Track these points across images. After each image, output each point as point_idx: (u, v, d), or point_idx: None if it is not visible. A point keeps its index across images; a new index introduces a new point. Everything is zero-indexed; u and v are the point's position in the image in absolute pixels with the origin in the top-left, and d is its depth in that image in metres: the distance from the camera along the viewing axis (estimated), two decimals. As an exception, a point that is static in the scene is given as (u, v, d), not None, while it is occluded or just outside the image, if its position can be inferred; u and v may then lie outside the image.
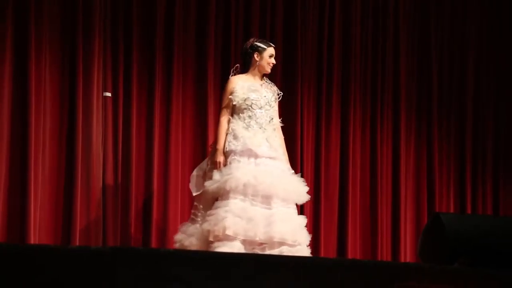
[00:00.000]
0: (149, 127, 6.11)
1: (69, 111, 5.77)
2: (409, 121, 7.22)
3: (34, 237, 5.49)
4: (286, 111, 6.13)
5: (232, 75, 5.52)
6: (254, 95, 5.38)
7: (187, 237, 5.27)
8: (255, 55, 5.48)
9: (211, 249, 5.07)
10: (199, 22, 6.40)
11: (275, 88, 5.57)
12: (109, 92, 5.96)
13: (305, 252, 5.26)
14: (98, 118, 5.85)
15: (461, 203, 7.37)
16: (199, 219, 5.31)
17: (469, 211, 7.27)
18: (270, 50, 5.51)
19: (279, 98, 5.55)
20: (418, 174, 7.23)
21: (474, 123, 7.47)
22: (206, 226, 5.16)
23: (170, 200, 6.12)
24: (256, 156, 5.29)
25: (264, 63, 5.48)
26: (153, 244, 5.98)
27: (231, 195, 5.16)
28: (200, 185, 5.35)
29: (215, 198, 5.27)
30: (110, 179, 5.91)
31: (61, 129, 5.75)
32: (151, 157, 6.07)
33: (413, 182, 7.20)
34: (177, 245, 5.31)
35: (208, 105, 6.35)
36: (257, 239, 5.11)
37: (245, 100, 5.37)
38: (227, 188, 5.16)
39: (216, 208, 5.19)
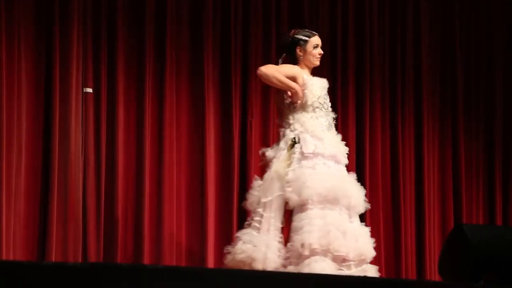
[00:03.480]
0: (139, 126, 6.16)
1: (44, 109, 5.83)
2: (432, 121, 7.31)
3: (7, 251, 5.59)
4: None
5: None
6: (324, 94, 5.48)
7: (255, 248, 5.20)
8: (298, 50, 5.50)
9: (302, 265, 5.07)
10: (194, 5, 6.47)
11: None
12: (90, 87, 6.03)
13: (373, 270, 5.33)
14: (77, 117, 5.90)
15: (490, 210, 7.45)
16: (267, 227, 5.26)
17: (499, 219, 7.37)
18: (314, 40, 5.52)
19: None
20: (443, 179, 7.30)
21: (505, 123, 7.55)
22: (305, 238, 5.11)
23: (164, 208, 6.18)
24: (339, 162, 5.37)
25: (309, 56, 5.50)
26: (146, 260, 6.05)
27: (324, 205, 5.20)
28: (273, 189, 5.32)
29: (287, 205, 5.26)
30: (91, 186, 5.97)
31: (36, 129, 5.81)
32: (141, 160, 6.13)
33: (438, 188, 7.28)
34: (242, 256, 5.23)
35: (206, 99, 6.39)
36: (350, 256, 5.15)
37: (318, 98, 5.44)
38: (317, 197, 5.18)
39: (311, 218, 5.16)
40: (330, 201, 5.20)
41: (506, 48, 7.65)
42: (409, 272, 6.99)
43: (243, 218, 6.45)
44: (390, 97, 7.17)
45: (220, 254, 6.34)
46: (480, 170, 7.45)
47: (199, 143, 6.39)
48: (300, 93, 5.38)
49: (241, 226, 6.43)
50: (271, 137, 6.60)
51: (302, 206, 5.21)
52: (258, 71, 5.42)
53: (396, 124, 7.15)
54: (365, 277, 3.46)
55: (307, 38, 5.52)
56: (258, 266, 5.15)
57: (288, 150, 5.36)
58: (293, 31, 5.61)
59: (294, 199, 5.22)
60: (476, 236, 3.77)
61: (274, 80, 5.38)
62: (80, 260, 5.79)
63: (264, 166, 5.51)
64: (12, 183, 5.65)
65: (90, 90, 6.02)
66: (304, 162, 5.29)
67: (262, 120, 6.65)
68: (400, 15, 7.27)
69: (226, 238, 6.37)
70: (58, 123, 5.83)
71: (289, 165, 5.32)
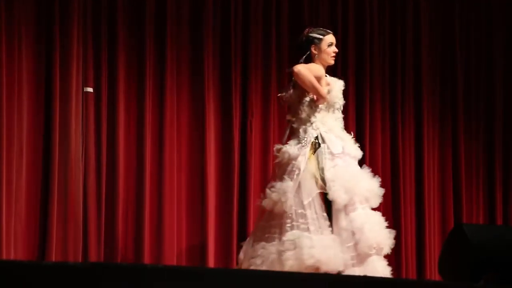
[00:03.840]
0: (140, 126, 6.17)
1: (44, 108, 5.83)
2: (432, 121, 7.31)
3: (7, 251, 5.60)
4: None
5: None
6: (340, 95, 5.54)
7: (323, 251, 5.14)
8: (313, 49, 5.50)
9: (366, 264, 5.17)
10: (194, 5, 6.47)
11: None
12: (90, 87, 6.06)
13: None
14: (78, 117, 5.91)
15: (490, 210, 7.46)
16: (317, 228, 5.23)
17: (499, 219, 7.38)
18: (328, 39, 5.52)
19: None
20: (443, 179, 7.31)
21: (505, 123, 7.53)
22: (370, 237, 5.19)
23: (164, 208, 6.19)
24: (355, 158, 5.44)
25: (324, 55, 5.50)
26: (146, 260, 6.04)
27: (364, 204, 5.30)
28: (311, 189, 5.29)
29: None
30: (92, 185, 5.97)
31: (36, 129, 5.81)
32: (142, 160, 6.14)
33: (438, 187, 7.29)
34: (311, 261, 5.12)
35: (206, 99, 6.40)
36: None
37: (340, 99, 5.52)
38: (360, 196, 5.28)
39: (368, 217, 5.26)
40: (368, 199, 5.31)
41: (506, 47, 7.65)
42: (409, 272, 7.00)
43: (243, 217, 6.46)
44: (390, 97, 7.18)
45: (220, 254, 6.35)
46: (480, 170, 7.46)
47: (199, 143, 6.39)
48: (327, 98, 5.41)
49: (241, 226, 6.45)
50: (271, 137, 6.60)
51: (348, 206, 5.26)
52: (296, 69, 5.39)
53: (396, 124, 7.15)
54: (365, 277, 3.46)
55: (321, 36, 5.52)
56: (328, 268, 5.12)
57: (310, 149, 5.35)
58: (307, 29, 5.61)
59: (342, 197, 5.24)
60: (476, 236, 3.77)
61: (308, 83, 5.40)
62: (80, 260, 5.80)
63: (280, 163, 5.46)
64: (13, 183, 5.66)
65: (90, 89, 6.03)
66: (338, 161, 5.32)
67: (262, 120, 6.65)
68: (400, 15, 7.27)
69: (227, 238, 6.38)
70: (58, 123, 5.83)
71: (319, 164, 5.31)
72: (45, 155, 5.83)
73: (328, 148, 5.34)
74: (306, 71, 5.38)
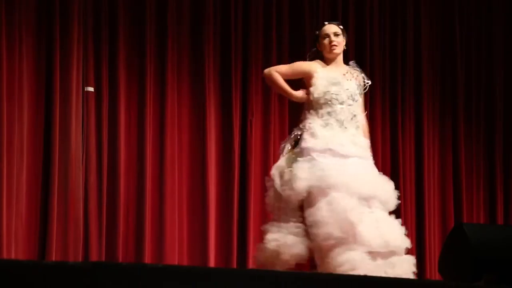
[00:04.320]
0: (141, 125, 6.18)
1: (45, 108, 5.84)
2: (433, 121, 7.31)
3: (8, 250, 5.61)
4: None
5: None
6: (335, 88, 5.26)
7: (282, 236, 5.09)
8: (317, 44, 5.39)
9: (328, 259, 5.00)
10: (195, 5, 6.47)
11: (362, 76, 5.44)
12: (91, 86, 6.06)
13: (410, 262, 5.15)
14: (78, 117, 5.91)
15: (491, 210, 7.46)
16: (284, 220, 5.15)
17: (500, 219, 7.38)
18: (324, 30, 5.35)
19: (365, 89, 5.43)
20: (443, 179, 7.31)
21: (505, 122, 7.53)
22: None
23: (165, 208, 6.19)
24: (341, 156, 5.16)
25: (323, 48, 5.36)
26: (147, 259, 6.05)
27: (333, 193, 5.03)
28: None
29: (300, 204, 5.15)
30: (93, 185, 5.98)
31: (36, 129, 5.82)
32: (143, 159, 6.14)
33: (438, 187, 7.29)
34: (273, 244, 5.07)
35: (207, 99, 6.41)
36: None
37: (325, 94, 5.24)
38: (325, 185, 5.02)
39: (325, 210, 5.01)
40: (341, 190, 5.06)
41: (507, 46, 7.64)
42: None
43: (243, 217, 6.47)
44: (390, 97, 7.18)
45: (221, 253, 6.36)
46: (481, 169, 7.45)
47: (200, 142, 6.40)
48: (302, 98, 5.31)
49: (241, 226, 6.46)
50: (271, 137, 6.61)
51: (308, 201, 5.11)
52: (263, 74, 5.36)
53: (396, 124, 7.15)
54: (365, 277, 3.46)
55: (318, 32, 5.42)
56: (285, 255, 5.06)
57: (290, 148, 5.30)
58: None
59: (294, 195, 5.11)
60: (476, 236, 3.77)
61: (274, 87, 5.39)
62: (80, 260, 5.80)
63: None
64: (13, 183, 5.66)
65: (91, 89, 6.03)
66: (298, 159, 5.18)
67: (263, 119, 6.66)
68: (401, 15, 7.27)
69: (227, 237, 6.39)
70: (58, 122, 5.84)
71: (289, 162, 5.22)
72: (45, 155, 5.84)
73: (302, 147, 5.20)
74: (274, 73, 5.30)
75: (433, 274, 7.09)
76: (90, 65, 6.06)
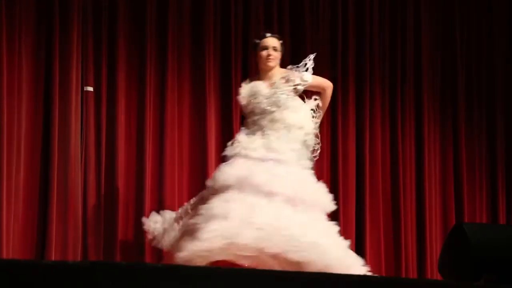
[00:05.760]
0: (140, 125, 6.18)
1: (44, 108, 5.84)
2: (433, 121, 7.32)
3: (6, 250, 5.61)
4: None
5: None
6: (255, 100, 5.47)
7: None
8: (254, 52, 5.58)
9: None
10: (195, 5, 6.47)
11: (301, 75, 5.49)
12: (90, 86, 6.06)
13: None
14: (77, 116, 5.91)
15: (493, 210, 7.45)
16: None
17: (501, 219, 7.37)
18: (263, 43, 5.50)
19: (302, 88, 5.49)
20: (444, 179, 7.31)
21: (506, 122, 7.54)
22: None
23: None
24: (254, 159, 5.32)
25: (258, 58, 5.53)
26: (147, 259, 6.04)
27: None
28: None
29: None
30: (92, 185, 5.99)
31: (35, 128, 5.82)
32: (142, 159, 6.14)
33: (439, 187, 7.28)
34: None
35: (208, 100, 6.41)
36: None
37: (248, 105, 5.50)
38: (220, 184, 5.25)
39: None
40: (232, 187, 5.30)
41: (507, 45, 7.65)
42: (410, 272, 7.00)
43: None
44: (390, 97, 7.18)
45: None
46: (483, 170, 7.45)
47: (200, 142, 6.40)
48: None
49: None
50: (271, 136, 6.60)
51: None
52: None
53: (396, 124, 7.15)
54: (365, 276, 3.47)
55: (258, 41, 5.56)
56: None
57: None
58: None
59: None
60: (476, 235, 3.78)
61: None
62: (79, 259, 5.80)
63: None
64: (12, 183, 5.66)
65: (91, 88, 6.03)
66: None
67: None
68: (401, 15, 7.27)
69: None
70: (58, 122, 5.84)
71: None
72: (44, 154, 5.84)
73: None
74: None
75: (434, 274, 7.09)
76: (89, 64, 6.06)
